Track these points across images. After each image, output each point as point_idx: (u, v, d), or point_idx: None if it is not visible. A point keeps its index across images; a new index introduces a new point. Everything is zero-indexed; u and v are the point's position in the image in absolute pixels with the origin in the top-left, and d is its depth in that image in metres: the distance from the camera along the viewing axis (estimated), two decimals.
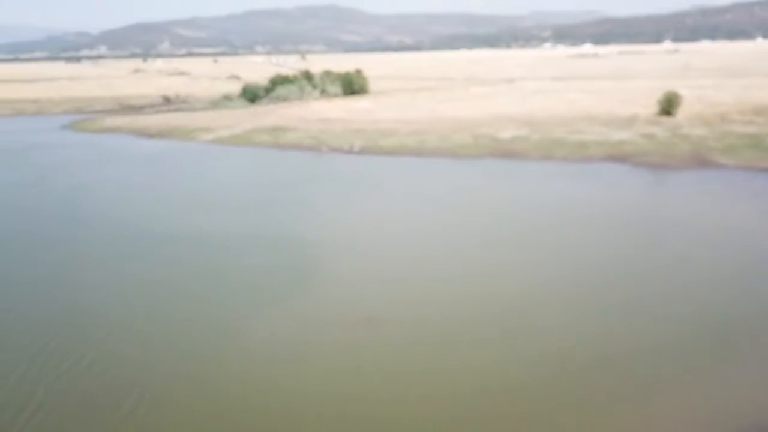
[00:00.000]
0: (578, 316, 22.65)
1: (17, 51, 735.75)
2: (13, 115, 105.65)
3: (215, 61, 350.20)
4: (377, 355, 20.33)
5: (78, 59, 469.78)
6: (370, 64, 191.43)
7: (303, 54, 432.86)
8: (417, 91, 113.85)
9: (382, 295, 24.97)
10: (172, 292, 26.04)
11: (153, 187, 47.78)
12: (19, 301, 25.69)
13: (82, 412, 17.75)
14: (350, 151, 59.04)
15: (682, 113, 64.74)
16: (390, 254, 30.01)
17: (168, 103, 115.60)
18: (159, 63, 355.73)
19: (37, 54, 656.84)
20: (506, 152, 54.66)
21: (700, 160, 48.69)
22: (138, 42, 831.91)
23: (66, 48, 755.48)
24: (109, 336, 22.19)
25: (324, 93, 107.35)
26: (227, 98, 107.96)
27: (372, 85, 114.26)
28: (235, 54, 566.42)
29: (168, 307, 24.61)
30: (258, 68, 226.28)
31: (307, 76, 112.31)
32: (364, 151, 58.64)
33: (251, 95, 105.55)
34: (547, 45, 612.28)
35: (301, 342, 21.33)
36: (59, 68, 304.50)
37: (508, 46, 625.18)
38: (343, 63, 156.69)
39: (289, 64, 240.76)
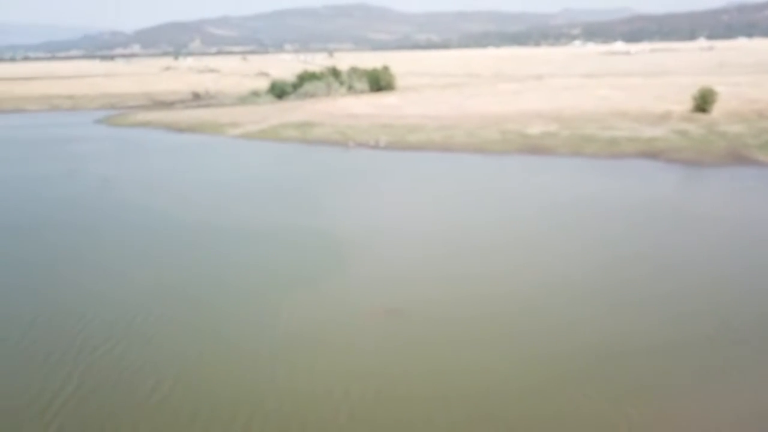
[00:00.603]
0: (613, 310, 22.10)
1: (54, 50, 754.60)
2: (49, 110, 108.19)
3: (244, 59, 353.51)
4: (398, 347, 20.12)
5: (112, 57, 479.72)
6: (398, 62, 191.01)
7: (331, 52, 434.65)
8: (444, 88, 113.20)
9: (410, 289, 24.68)
10: (203, 279, 26.24)
11: (182, 178, 48.29)
12: (65, 285, 26.18)
13: (121, 395, 17.94)
14: (376, 146, 58.90)
15: (717, 110, 62.95)
16: (420, 249, 29.59)
17: (197, 99, 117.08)
18: (190, 61, 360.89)
19: (74, 52, 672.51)
20: (535, 148, 53.90)
21: (736, 157, 47.28)
22: (170, 41, 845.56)
23: (101, 47, 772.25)
24: (151, 318, 22.45)
25: (351, 89, 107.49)
26: (255, 94, 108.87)
27: (399, 82, 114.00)
28: (265, 52, 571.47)
29: (196, 294, 24.79)
30: (286, 65, 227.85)
31: (334, 72, 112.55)
32: (390, 147, 58.45)
33: (279, 91, 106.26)
34: (577, 43, 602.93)
35: (323, 330, 21.25)
36: (94, 66, 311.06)
37: (537, 44, 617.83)
38: (371, 60, 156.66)
39: (317, 62, 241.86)
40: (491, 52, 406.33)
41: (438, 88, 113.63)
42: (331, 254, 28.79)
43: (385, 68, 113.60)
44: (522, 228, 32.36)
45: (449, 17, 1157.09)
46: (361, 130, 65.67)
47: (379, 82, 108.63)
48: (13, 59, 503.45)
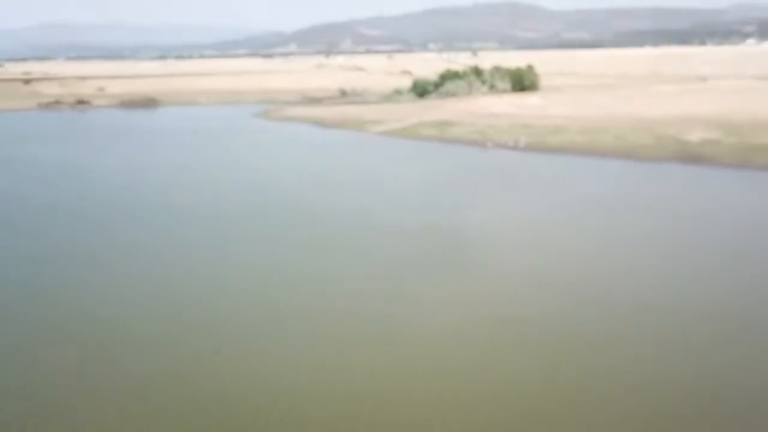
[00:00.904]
0: None
1: (224, 48, 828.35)
2: (215, 104, 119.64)
3: (390, 58, 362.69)
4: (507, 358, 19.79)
5: (272, 56, 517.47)
6: (544, 61, 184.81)
7: (474, 51, 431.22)
8: (592, 88, 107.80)
9: (540, 297, 24.12)
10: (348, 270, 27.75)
11: (328, 171, 51.10)
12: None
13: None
14: (515, 147, 57.79)
15: None
16: (557, 257, 28.67)
17: (344, 96, 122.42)
18: (340, 59, 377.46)
19: (240, 51, 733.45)
20: (693, 156, 49.58)
21: None
22: (324, 40, 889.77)
23: (264, 46, 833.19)
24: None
25: (493, 89, 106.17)
26: (398, 92, 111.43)
27: (544, 82, 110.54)
28: (410, 51, 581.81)
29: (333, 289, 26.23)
30: (429, 64, 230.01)
31: (476, 71, 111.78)
32: (529, 148, 57.05)
33: (420, 90, 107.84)
34: (751, 41, 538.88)
35: (436, 331, 21.50)
36: (255, 64, 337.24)
37: (702, 42, 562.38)
38: (515, 59, 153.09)
39: (460, 61, 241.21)
40: (648, 52, 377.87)
41: (585, 88, 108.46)
42: (460, 254, 28.91)
43: (530, 67, 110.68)
44: (675, 250, 30.03)
45: (602, 14, 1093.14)
46: (501, 130, 64.73)
47: (522, 82, 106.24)
48: (190, 57, 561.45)
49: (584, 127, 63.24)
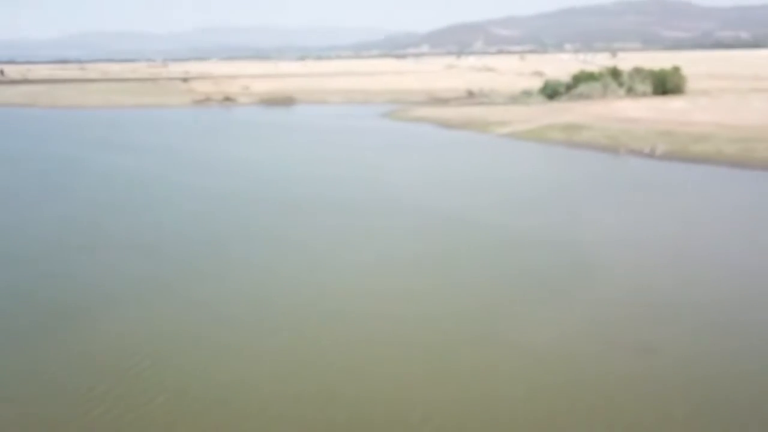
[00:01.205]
0: None
1: (358, 49, 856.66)
2: (344, 103, 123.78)
3: (521, 58, 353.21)
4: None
5: (404, 56, 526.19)
6: (693, 62, 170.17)
7: (614, 51, 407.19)
8: (749, 92, 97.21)
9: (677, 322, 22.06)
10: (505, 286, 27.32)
11: (450, 173, 50.81)
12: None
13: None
14: (651, 155, 53.63)
15: None
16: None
17: (471, 96, 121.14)
18: (471, 60, 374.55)
19: (374, 52, 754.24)
20: None
21: None
22: (456, 41, 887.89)
23: (397, 46, 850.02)
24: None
25: (631, 91, 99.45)
26: (526, 93, 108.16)
27: (691, 85, 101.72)
28: (544, 52, 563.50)
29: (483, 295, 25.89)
30: (563, 65, 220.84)
31: (614, 72, 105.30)
32: (667, 156, 52.67)
33: (551, 91, 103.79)
34: None
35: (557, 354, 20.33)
36: (387, 64, 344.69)
37: None
38: (659, 61, 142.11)
39: (597, 62, 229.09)
40: None
41: (740, 92, 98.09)
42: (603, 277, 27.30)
43: (675, 69, 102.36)
44: None
45: (764, 11, 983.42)
46: (636, 136, 60.44)
47: (665, 85, 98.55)
48: (328, 57, 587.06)
49: (735, 135, 57.18)
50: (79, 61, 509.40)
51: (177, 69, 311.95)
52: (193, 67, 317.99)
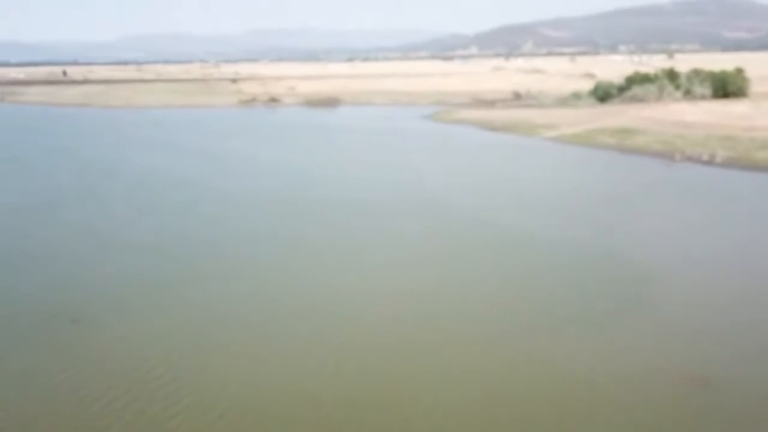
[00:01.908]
0: None
1: (405, 51, 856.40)
2: (389, 104, 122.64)
3: (572, 60, 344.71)
4: None
5: (451, 58, 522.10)
6: (758, 63, 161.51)
7: (671, 53, 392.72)
8: None
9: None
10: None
11: (490, 180, 48.86)
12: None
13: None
14: (710, 162, 50.16)
15: None
16: None
17: (518, 98, 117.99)
18: (519, 61, 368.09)
19: (422, 53, 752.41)
20: None
21: None
22: (505, 42, 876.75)
23: (445, 48, 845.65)
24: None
25: (688, 94, 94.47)
26: (576, 96, 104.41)
27: (756, 88, 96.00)
28: (596, 53, 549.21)
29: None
30: (616, 67, 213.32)
31: (670, 74, 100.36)
32: (727, 163, 49.14)
33: (602, 94, 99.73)
34: None
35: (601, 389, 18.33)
36: (434, 66, 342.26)
37: None
38: (720, 62, 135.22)
39: (652, 63, 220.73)
40: None
41: None
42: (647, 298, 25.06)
43: (738, 71, 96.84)
44: None
45: None
46: (693, 141, 56.86)
47: (726, 87, 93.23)
48: (375, 59, 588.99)
49: None
50: (137, 63, 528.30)
51: (228, 70, 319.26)
52: (244, 69, 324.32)
